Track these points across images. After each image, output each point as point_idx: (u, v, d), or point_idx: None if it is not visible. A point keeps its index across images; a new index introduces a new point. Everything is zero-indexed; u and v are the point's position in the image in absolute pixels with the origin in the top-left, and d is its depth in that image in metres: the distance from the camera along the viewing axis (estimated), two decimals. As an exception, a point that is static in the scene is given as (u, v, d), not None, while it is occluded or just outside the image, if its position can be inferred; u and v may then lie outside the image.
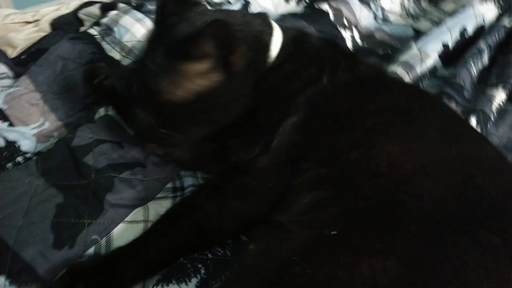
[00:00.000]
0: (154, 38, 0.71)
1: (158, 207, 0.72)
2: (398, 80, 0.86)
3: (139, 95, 0.68)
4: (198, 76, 0.64)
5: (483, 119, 0.83)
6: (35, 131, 0.85)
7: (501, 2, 1.12)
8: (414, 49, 1.03)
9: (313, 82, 0.71)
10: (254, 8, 1.23)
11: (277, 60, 0.72)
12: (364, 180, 0.56)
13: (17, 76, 0.96)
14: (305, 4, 1.37)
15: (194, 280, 0.59)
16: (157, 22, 0.74)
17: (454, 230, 0.47)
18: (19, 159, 0.79)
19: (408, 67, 0.98)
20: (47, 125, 0.86)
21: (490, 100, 0.87)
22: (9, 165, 0.78)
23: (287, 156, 0.66)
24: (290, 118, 0.68)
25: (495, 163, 0.60)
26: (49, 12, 1.38)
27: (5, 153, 0.78)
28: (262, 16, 0.75)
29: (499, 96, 0.88)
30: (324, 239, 0.50)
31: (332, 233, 0.50)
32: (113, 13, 1.14)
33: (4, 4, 2.12)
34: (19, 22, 1.36)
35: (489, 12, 1.09)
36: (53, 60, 0.92)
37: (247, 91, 0.69)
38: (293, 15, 1.24)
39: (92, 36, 1.06)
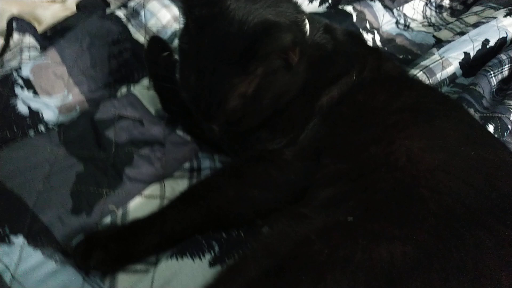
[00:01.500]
0: (204, 52, 0.64)
1: (175, 185, 0.73)
2: (421, 82, 0.86)
3: (207, 111, 0.67)
4: (259, 80, 0.64)
5: (501, 127, 0.84)
6: (58, 102, 0.86)
7: (524, 16, 1.13)
8: (435, 55, 1.04)
9: (343, 77, 0.72)
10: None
11: (310, 53, 0.72)
12: (383, 174, 0.57)
13: (43, 50, 0.97)
14: (328, 4, 1.39)
15: (208, 256, 0.60)
16: (195, 28, 0.66)
17: (472, 223, 0.48)
18: (41, 128, 0.81)
19: (429, 71, 0.99)
20: (70, 98, 0.87)
21: (509, 109, 0.87)
22: (31, 133, 0.79)
23: (311, 150, 0.67)
24: (320, 113, 0.69)
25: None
26: (77, -7, 1.39)
27: (28, 121, 0.80)
28: (293, 3, 0.73)
29: (517, 105, 0.88)
30: (342, 223, 0.51)
31: (349, 219, 0.51)
32: (140, -3, 1.16)
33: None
34: (46, 1, 1.38)
35: (512, 26, 1.10)
36: (81, 35, 0.94)
37: (301, 78, 0.69)
38: (316, 14, 1.25)
39: (118, 17, 1.07)
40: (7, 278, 0.56)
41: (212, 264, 0.59)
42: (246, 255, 0.58)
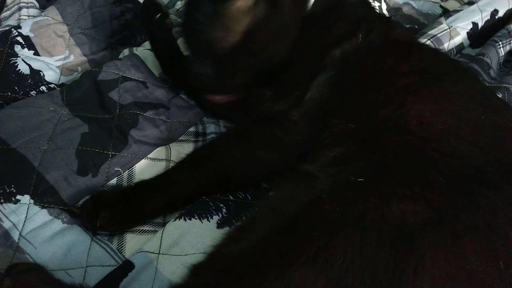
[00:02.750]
0: None
1: (180, 149, 0.72)
2: (430, 47, 0.85)
3: (193, 48, 0.67)
4: (244, 14, 0.63)
5: (508, 97, 0.83)
6: (60, 63, 0.84)
7: (534, -12, 1.11)
8: (443, 24, 1.02)
9: (348, 37, 0.70)
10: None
11: (314, 9, 0.71)
12: (393, 136, 0.57)
13: (41, 8, 0.94)
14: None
15: (216, 218, 0.60)
16: None
17: (482, 184, 0.48)
18: (43, 88, 0.79)
19: (436, 40, 0.97)
20: (71, 58, 0.85)
21: (516, 80, 0.86)
22: (33, 93, 0.77)
23: (318, 110, 0.66)
24: (326, 72, 0.68)
25: None
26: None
27: (29, 81, 0.78)
28: None
29: (525, 76, 0.88)
30: (353, 183, 0.51)
31: (359, 180, 0.51)
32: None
33: None
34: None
35: (522, -5, 1.08)
36: (84, -8, 0.91)
37: (291, 25, 0.68)
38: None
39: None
40: (15, 235, 0.56)
41: (219, 225, 0.60)
42: (255, 216, 0.59)
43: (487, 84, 0.86)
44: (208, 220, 0.59)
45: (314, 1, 0.70)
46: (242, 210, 0.62)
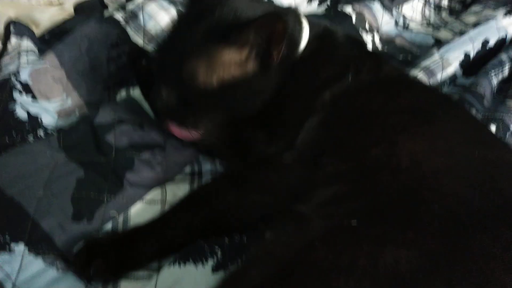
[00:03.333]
0: (190, 17, 0.70)
1: (176, 189, 0.73)
2: (421, 82, 0.86)
3: (167, 71, 0.68)
4: (234, 65, 0.64)
5: (503, 128, 0.84)
6: (57, 107, 0.85)
7: (524, 17, 1.13)
8: (435, 56, 1.04)
9: (338, 79, 0.72)
10: (277, 5, 1.24)
11: (303, 55, 0.73)
12: (386, 176, 0.57)
13: (41, 53, 0.97)
14: (327, 6, 1.38)
15: (211, 262, 0.59)
16: (192, 2, 0.73)
17: (478, 227, 0.47)
18: (40, 133, 0.80)
19: (429, 72, 0.99)
20: (69, 102, 0.87)
21: (510, 110, 0.87)
22: (30, 138, 0.78)
23: (310, 152, 0.66)
24: (316, 115, 0.69)
25: None
26: (74, -4, 1.39)
27: (27, 126, 0.79)
28: (295, 13, 0.75)
29: (519, 106, 0.88)
30: (345, 228, 0.50)
31: (353, 223, 0.51)
32: (139, 0, 1.15)
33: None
34: (43, 4, 1.37)
35: (511, 26, 1.10)
36: (80, 39, 0.93)
37: (273, 86, 0.70)
38: (315, 16, 1.25)
39: (116, 20, 1.06)
40: (8, 286, 0.55)
41: (215, 270, 0.59)
42: (249, 261, 0.58)
43: (481, 115, 0.86)
44: (202, 264, 0.59)
45: (303, 49, 0.72)
46: (237, 252, 0.61)
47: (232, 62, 0.64)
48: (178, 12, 0.76)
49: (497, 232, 0.47)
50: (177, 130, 0.73)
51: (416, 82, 0.82)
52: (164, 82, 0.69)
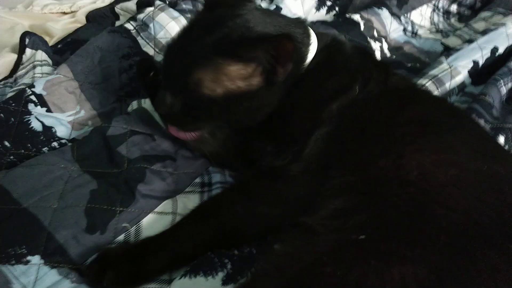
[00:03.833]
0: (202, 25, 0.69)
1: (186, 201, 0.74)
2: (429, 93, 0.86)
3: (173, 77, 0.69)
4: (239, 78, 0.65)
5: (511, 137, 0.83)
6: (71, 118, 0.88)
7: (534, 23, 1.12)
8: (444, 64, 1.04)
9: (345, 91, 0.72)
10: (285, 13, 1.25)
11: (311, 66, 0.73)
12: (394, 189, 0.57)
13: (55, 64, 0.99)
14: (336, 12, 1.39)
15: (221, 274, 0.60)
16: (207, 8, 0.74)
17: (485, 243, 0.48)
18: (55, 144, 0.82)
19: (438, 81, 0.99)
20: (82, 113, 0.89)
21: (519, 119, 0.87)
22: (45, 149, 0.81)
23: (318, 164, 0.67)
24: (323, 127, 0.69)
25: None
26: (86, 5, 1.42)
27: (41, 137, 0.81)
28: (303, 25, 0.76)
29: (528, 117, 0.88)
30: (353, 243, 0.51)
31: (361, 237, 0.51)
32: (149, 9, 1.17)
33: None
34: (56, 13, 1.40)
35: (521, 33, 1.09)
36: (92, 51, 0.95)
37: (276, 100, 0.70)
38: (323, 23, 1.25)
39: (128, 30, 1.08)
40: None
41: (225, 282, 0.60)
42: (258, 275, 0.59)
43: (489, 125, 0.86)
44: (213, 277, 0.60)
45: (311, 61, 0.72)
46: (247, 264, 0.62)
47: (238, 75, 0.65)
48: (190, 18, 0.76)
49: (505, 248, 0.47)
50: (175, 131, 0.75)
51: (424, 93, 0.83)
52: (170, 88, 0.69)
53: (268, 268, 0.57)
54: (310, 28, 0.76)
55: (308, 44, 0.73)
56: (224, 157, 0.79)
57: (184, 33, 0.71)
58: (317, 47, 0.75)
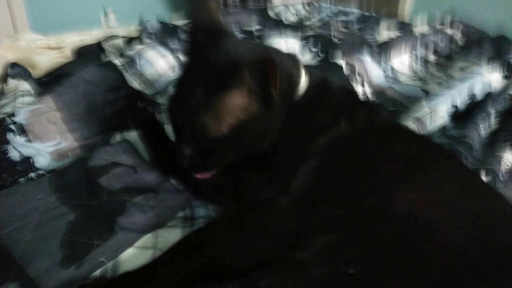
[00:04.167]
0: (192, 72, 0.71)
1: (167, 236, 0.71)
2: (413, 131, 0.88)
3: (182, 131, 0.68)
4: (238, 108, 0.65)
5: (492, 177, 0.85)
6: (51, 149, 0.85)
7: (505, 72, 1.19)
8: (425, 107, 1.07)
9: (332, 126, 0.73)
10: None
11: (301, 100, 0.74)
12: (383, 225, 0.57)
13: (38, 95, 0.97)
14: (319, 58, 1.44)
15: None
16: (191, 53, 0.75)
17: (475, 277, 0.47)
18: (32, 174, 0.79)
19: (420, 123, 1.01)
20: (63, 144, 0.86)
21: (499, 160, 0.89)
22: (22, 180, 0.77)
23: (306, 197, 0.66)
24: (311, 161, 0.69)
25: (510, 216, 0.61)
26: (74, 41, 1.43)
27: (18, 168, 0.78)
28: (293, 58, 0.78)
29: (507, 157, 0.90)
30: (344, 276, 0.49)
31: (351, 272, 0.50)
32: (138, 47, 1.18)
33: (21, 28, 2.20)
34: (43, 47, 1.40)
35: (496, 81, 1.15)
36: (78, 83, 0.95)
37: (279, 124, 0.71)
38: (308, 67, 1.29)
39: (115, 66, 1.09)
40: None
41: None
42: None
43: (471, 166, 0.87)
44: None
45: (301, 96, 0.74)
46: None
47: (236, 106, 0.65)
48: (180, 64, 0.77)
49: (495, 282, 0.46)
50: (199, 175, 0.74)
51: (408, 131, 0.84)
52: (182, 141, 0.69)
53: None
54: (300, 63, 0.78)
55: (298, 74, 0.75)
56: (209, 192, 0.78)
57: (180, 85, 0.72)
58: (308, 83, 0.76)
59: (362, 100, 0.91)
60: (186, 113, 0.67)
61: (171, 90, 1.10)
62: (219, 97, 0.64)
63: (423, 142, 0.78)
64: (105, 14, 2.45)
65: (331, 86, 0.81)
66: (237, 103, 0.65)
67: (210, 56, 0.69)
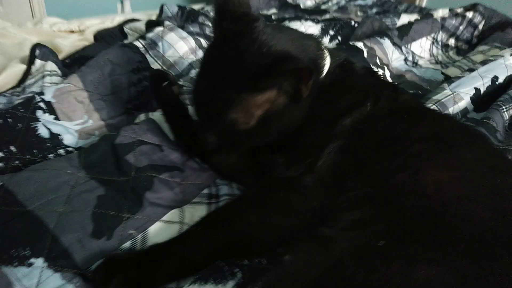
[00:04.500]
0: (219, 59, 0.69)
1: (193, 211, 0.72)
2: (439, 112, 0.88)
3: (208, 120, 0.69)
4: (267, 103, 0.66)
5: (516, 159, 0.84)
6: (78, 127, 0.87)
7: (530, 56, 1.17)
8: (447, 90, 1.06)
9: (357, 107, 0.73)
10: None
11: (326, 81, 0.75)
12: (411, 201, 0.57)
13: (64, 75, 0.99)
14: (338, 41, 1.43)
15: (231, 283, 0.58)
16: (217, 38, 0.73)
17: (502, 249, 0.48)
18: (61, 151, 0.81)
19: (441, 105, 1.01)
20: (90, 123, 0.88)
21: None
22: (51, 155, 0.79)
23: (332, 176, 0.67)
24: (337, 140, 0.70)
25: None
26: (94, 24, 1.44)
27: (48, 144, 0.80)
28: (316, 40, 0.78)
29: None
30: (374, 248, 0.50)
31: (380, 243, 0.51)
32: (159, 29, 1.19)
33: (39, 14, 2.24)
34: (64, 31, 1.42)
35: (520, 64, 1.13)
36: (103, 63, 0.96)
37: (305, 110, 0.71)
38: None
39: (137, 47, 1.10)
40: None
41: (234, 292, 0.58)
42: (271, 282, 0.57)
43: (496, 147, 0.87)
44: (224, 285, 0.58)
45: (326, 74, 0.74)
46: (257, 275, 0.60)
47: (265, 101, 0.66)
48: (202, 47, 0.76)
49: None
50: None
51: (434, 111, 0.84)
52: (208, 130, 0.70)
53: (281, 274, 0.56)
54: (323, 44, 0.78)
55: (322, 58, 0.75)
56: (234, 172, 0.79)
57: (206, 71, 0.71)
58: (331, 63, 0.76)
59: (385, 80, 0.91)
60: (214, 106, 0.67)
61: (193, 72, 1.11)
62: (251, 95, 0.65)
63: (449, 121, 0.78)
64: (121, 2, 2.47)
65: (354, 66, 0.81)
66: (267, 99, 0.65)
67: (240, 45, 0.67)
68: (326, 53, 0.77)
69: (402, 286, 0.42)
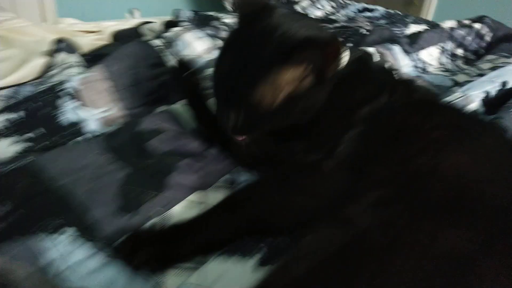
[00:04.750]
0: (246, 43, 0.71)
1: (216, 194, 0.74)
2: (454, 105, 0.90)
3: (233, 97, 0.70)
4: (295, 81, 0.68)
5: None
6: (101, 115, 0.89)
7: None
8: (458, 93, 1.09)
9: (375, 97, 0.76)
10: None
11: (344, 71, 0.77)
12: (432, 183, 0.58)
13: (87, 66, 1.02)
14: (351, 45, 1.46)
15: (257, 256, 0.60)
16: (239, 23, 0.76)
17: None
18: (88, 135, 0.83)
19: (454, 105, 1.03)
20: (114, 111, 0.91)
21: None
22: (79, 138, 0.81)
23: (352, 160, 0.69)
24: (356, 128, 0.72)
25: None
26: (111, 26, 1.48)
27: (74, 128, 0.82)
28: (332, 34, 0.81)
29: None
30: (392, 225, 0.51)
31: (399, 222, 0.52)
32: (176, 29, 1.23)
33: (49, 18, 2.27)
34: (82, 31, 1.46)
35: (528, 70, 1.16)
36: (123, 56, 0.99)
37: (325, 95, 0.73)
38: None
39: (155, 45, 1.13)
40: (57, 267, 0.56)
41: (260, 264, 0.59)
42: (295, 255, 0.58)
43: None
44: (250, 257, 0.59)
45: (345, 65, 0.77)
46: (283, 250, 0.62)
47: (293, 79, 0.68)
48: (228, 34, 0.78)
49: None
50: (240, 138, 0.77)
51: (450, 105, 0.87)
52: (232, 107, 0.71)
53: (305, 248, 0.57)
54: (339, 39, 0.81)
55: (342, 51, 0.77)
56: (255, 157, 0.81)
57: (230, 52, 0.73)
58: (350, 56, 0.79)
59: (400, 76, 0.94)
60: (243, 81, 0.68)
61: (209, 71, 1.14)
62: (280, 70, 0.67)
63: (464, 113, 0.80)
64: (131, 13, 2.52)
65: (371, 61, 0.84)
66: (295, 76, 0.68)
67: (268, 26, 0.70)
68: (345, 47, 0.79)
69: (429, 248, 0.44)
